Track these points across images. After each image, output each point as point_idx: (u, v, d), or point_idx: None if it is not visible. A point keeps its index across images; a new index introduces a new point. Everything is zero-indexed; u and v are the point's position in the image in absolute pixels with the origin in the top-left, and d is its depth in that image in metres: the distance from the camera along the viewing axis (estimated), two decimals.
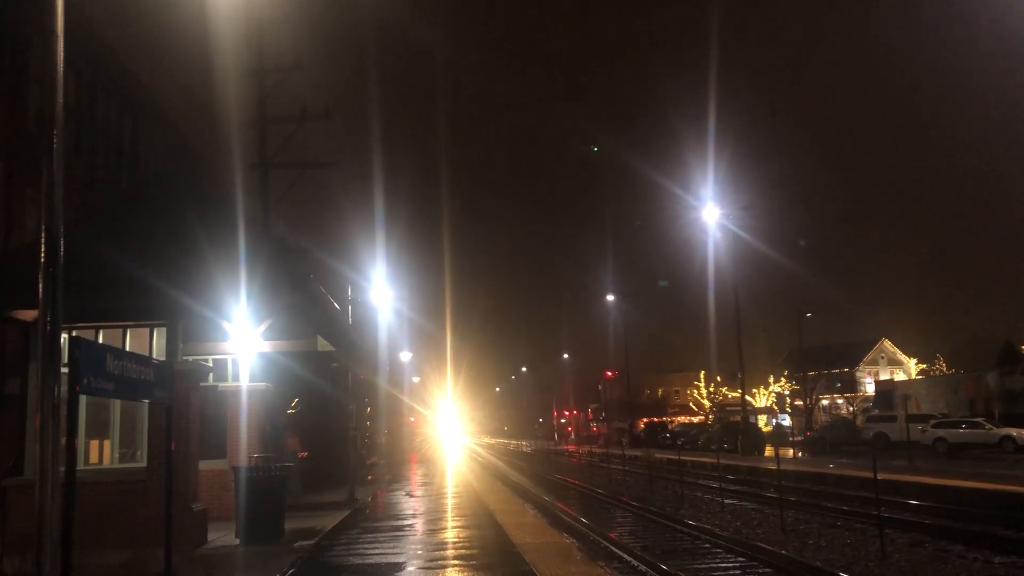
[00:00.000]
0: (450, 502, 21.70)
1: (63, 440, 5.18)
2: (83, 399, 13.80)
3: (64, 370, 5.47)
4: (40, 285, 4.94)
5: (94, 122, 21.57)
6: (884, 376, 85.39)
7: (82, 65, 20.70)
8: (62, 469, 5.27)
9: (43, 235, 5.00)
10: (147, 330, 13.35)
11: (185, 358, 13.75)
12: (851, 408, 74.89)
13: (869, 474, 15.37)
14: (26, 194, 16.72)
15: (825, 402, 78.88)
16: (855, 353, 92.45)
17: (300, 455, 22.60)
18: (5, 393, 15.24)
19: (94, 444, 15.23)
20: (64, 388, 5.41)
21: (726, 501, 21.04)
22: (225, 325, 15.24)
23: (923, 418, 39.21)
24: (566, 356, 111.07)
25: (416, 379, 72.30)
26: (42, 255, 4.90)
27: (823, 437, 44.93)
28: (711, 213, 42.26)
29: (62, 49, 5.26)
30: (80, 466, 13.59)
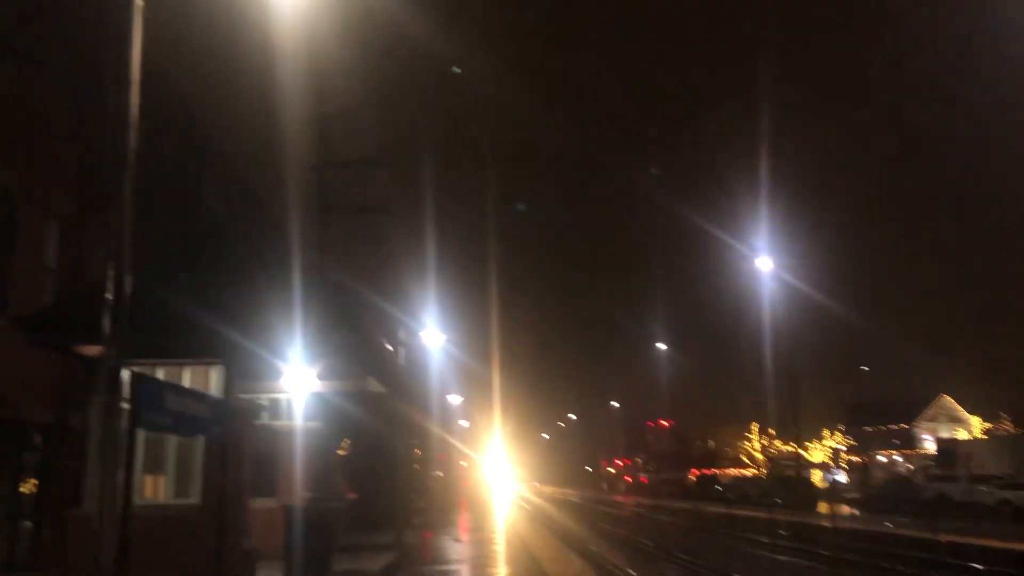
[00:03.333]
0: (496, 549, 21.53)
1: (122, 473, 5.32)
2: (141, 435, 14.14)
3: (124, 405, 5.63)
4: (106, 323, 5.12)
5: (160, 166, 22.31)
6: (943, 433, 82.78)
7: (151, 111, 21.46)
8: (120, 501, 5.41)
9: (112, 276, 5.19)
10: (204, 368, 13.61)
11: (240, 396, 13.97)
12: (910, 465, 72.73)
13: (929, 535, 14.88)
14: (94, 234, 17.30)
15: (882, 458, 76.76)
16: (913, 409, 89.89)
17: (349, 496, 22.68)
18: (69, 426, 15.66)
19: (148, 479, 15.50)
20: (124, 423, 5.56)
21: (778, 557, 20.50)
22: (280, 365, 15.48)
23: (987, 479, 37.85)
24: (615, 404, 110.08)
25: (465, 423, 72.21)
26: (110, 294, 5.08)
27: (881, 495, 43.59)
28: (765, 263, 41.84)
29: (137, 97, 5.51)
30: (136, 500, 13.88)
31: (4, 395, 14.62)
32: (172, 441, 14.41)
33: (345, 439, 25.30)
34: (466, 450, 75.74)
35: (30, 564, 15.03)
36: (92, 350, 12.92)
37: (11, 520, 15.12)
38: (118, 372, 5.15)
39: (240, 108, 23.77)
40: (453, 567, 17.18)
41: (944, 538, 15.85)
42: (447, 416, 50.48)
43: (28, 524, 15.62)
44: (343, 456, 24.86)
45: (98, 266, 17.27)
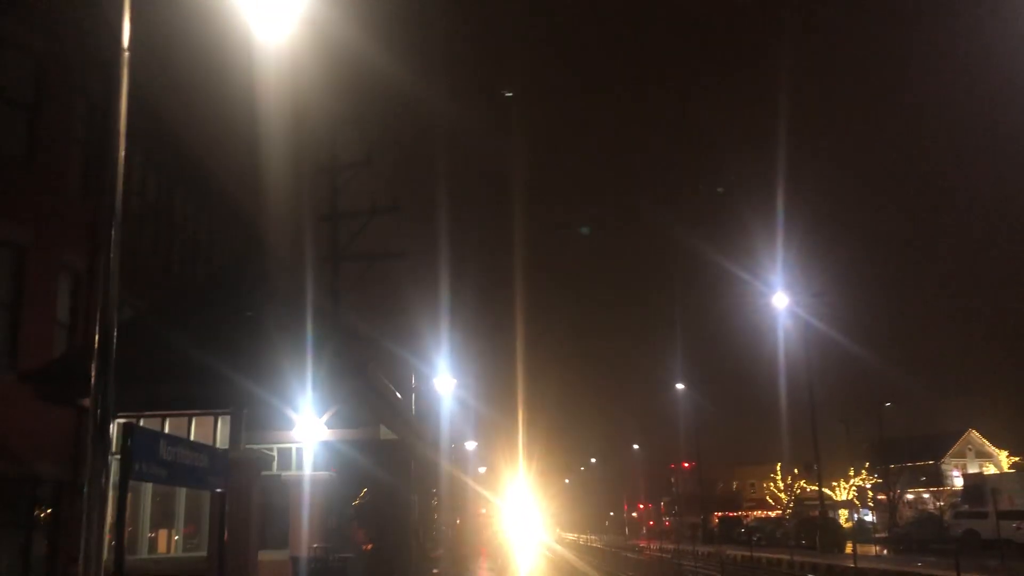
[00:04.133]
0: None
1: (108, 526, 5.24)
2: (149, 489, 14.05)
3: (118, 457, 5.57)
4: (92, 374, 5.09)
5: (172, 217, 22.53)
6: (972, 469, 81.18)
7: (162, 164, 21.79)
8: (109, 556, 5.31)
9: (98, 325, 5.17)
10: (211, 418, 13.57)
11: (249, 446, 13.88)
12: (938, 503, 71.27)
13: (953, 574, 14.50)
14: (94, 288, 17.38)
15: (910, 497, 75.30)
16: (940, 445, 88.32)
17: (365, 547, 22.34)
18: (79, 482, 15.59)
19: (162, 533, 15.41)
20: (116, 474, 5.50)
21: None
22: (290, 413, 15.40)
23: (1017, 515, 36.96)
24: (636, 447, 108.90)
25: (483, 469, 71.56)
26: (95, 344, 5.06)
27: (909, 534, 42.65)
28: (781, 300, 41.53)
29: (122, 151, 5.54)
30: (144, 555, 13.75)
31: (14, 451, 14.61)
32: (182, 494, 14.35)
33: (361, 488, 25.06)
34: (487, 495, 74.95)
35: None
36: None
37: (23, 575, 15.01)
38: (106, 423, 5.09)
39: (252, 158, 24.01)
40: None
41: None
42: (464, 462, 50.06)
43: None
44: (358, 506, 24.59)
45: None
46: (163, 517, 15.08)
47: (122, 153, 5.54)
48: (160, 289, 20.24)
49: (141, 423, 12.61)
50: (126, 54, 5.36)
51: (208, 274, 23.68)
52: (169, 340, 13.30)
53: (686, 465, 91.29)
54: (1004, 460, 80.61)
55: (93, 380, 5.18)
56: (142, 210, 20.78)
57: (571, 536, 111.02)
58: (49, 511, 15.87)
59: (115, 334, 5.34)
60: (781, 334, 42.28)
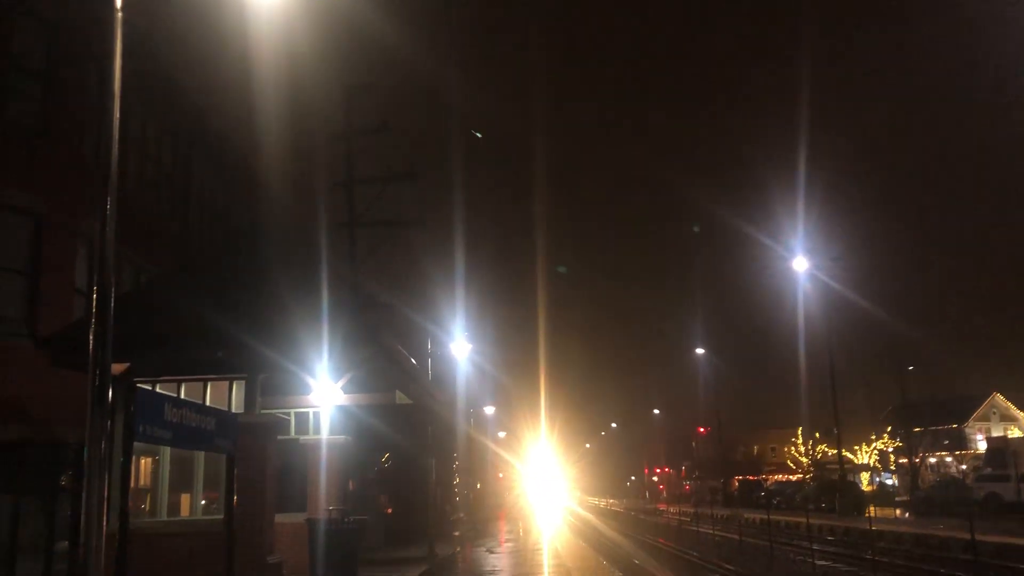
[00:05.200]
0: (533, 559, 21.31)
1: (105, 488, 5.27)
2: (167, 453, 14.23)
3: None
4: (91, 338, 5.10)
5: (188, 184, 22.57)
6: (996, 432, 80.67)
7: (178, 130, 21.79)
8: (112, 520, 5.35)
9: (94, 290, 5.17)
10: (226, 383, 13.67)
11: (264, 411, 13.99)
12: (961, 466, 71.00)
13: (979, 536, 14.40)
14: (121, 253, 17.49)
15: (932, 460, 75.01)
16: (964, 408, 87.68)
17: (386, 510, 22.64)
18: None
19: (184, 497, 15.62)
20: (121, 436, 5.52)
21: (819, 563, 20.01)
22: (307, 379, 15.49)
23: None
24: (656, 412, 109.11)
25: (502, 435, 71.98)
26: (93, 308, 5.07)
27: (931, 497, 42.54)
28: (801, 264, 41.17)
29: (118, 113, 5.51)
30: (164, 517, 13.94)
31: (36, 416, 14.80)
32: (201, 458, 14.51)
33: (384, 453, 25.29)
34: (508, 457, 75.51)
35: None
36: (116, 368, 13.05)
37: (48, 542, 15.27)
38: (104, 387, 5.10)
39: (268, 124, 23.94)
40: None
41: (991, 539, 15.35)
42: (483, 428, 50.36)
43: (65, 545, 15.77)
44: (379, 470, 24.85)
45: (125, 285, 17.47)
46: (183, 482, 15.27)
47: (117, 115, 5.50)
48: (177, 255, 20.34)
49: (157, 388, 12.75)
50: (119, 14, 5.30)
51: (225, 240, 23.75)
52: (186, 306, 13.40)
53: (703, 430, 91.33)
54: None
55: (91, 344, 5.19)
56: (158, 177, 20.83)
57: (592, 500, 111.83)
58: (72, 476, 16.11)
59: (112, 297, 5.34)
60: (801, 298, 41.98)
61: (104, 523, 4.91)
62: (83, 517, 4.84)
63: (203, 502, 15.34)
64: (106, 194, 5.47)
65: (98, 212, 5.46)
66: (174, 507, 15.04)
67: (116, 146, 5.55)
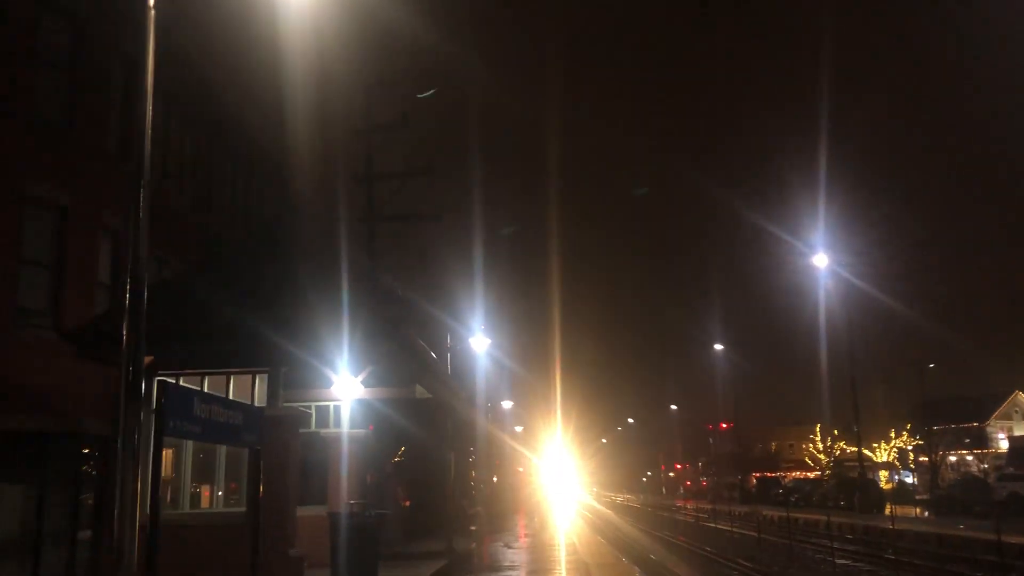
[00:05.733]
0: (550, 555, 21.33)
1: (137, 481, 5.33)
2: (190, 447, 14.32)
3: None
4: (124, 332, 5.14)
5: (211, 178, 22.70)
6: (1019, 431, 79.94)
7: (200, 125, 21.91)
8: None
9: (128, 283, 5.22)
10: (250, 376, 13.74)
11: (286, 404, 14.06)
12: (982, 465, 70.38)
13: (995, 536, 14.29)
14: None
15: (953, 459, 74.42)
16: (985, 406, 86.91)
17: (404, 504, 22.69)
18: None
19: (205, 489, 15.73)
20: (152, 431, 5.57)
21: (838, 562, 19.92)
22: (328, 372, 15.56)
23: None
24: (673, 407, 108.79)
25: (519, 429, 72.07)
26: (126, 302, 5.11)
27: (951, 496, 42.18)
28: (821, 259, 40.92)
29: (151, 108, 5.54)
30: (186, 509, 14.05)
31: (58, 407, 14.95)
32: (222, 451, 14.61)
33: (400, 447, 25.38)
34: (525, 452, 75.59)
35: (89, 575, 15.32)
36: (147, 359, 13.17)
37: (71, 531, 15.44)
38: (138, 382, 5.14)
39: (288, 119, 24.07)
40: (505, 574, 17.04)
41: (1015, 540, 15.21)
42: (501, 422, 50.43)
43: (88, 533, 15.93)
44: (397, 464, 24.92)
45: (151, 276, 17.60)
46: (205, 474, 15.38)
47: (150, 110, 5.53)
48: (199, 249, 20.47)
49: (181, 381, 12.84)
50: (152, 12, 5.33)
51: (246, 234, 23.88)
52: (208, 299, 13.48)
53: (724, 426, 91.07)
54: None
55: (124, 338, 5.23)
56: (180, 169, 20.95)
57: (608, 495, 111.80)
58: (95, 467, 16.28)
59: (145, 292, 5.38)
60: (823, 295, 41.73)
61: (137, 515, 4.97)
62: (117, 509, 4.90)
63: (220, 494, 15.45)
64: (139, 189, 5.50)
65: (131, 207, 5.50)
66: (195, 498, 15.15)
67: (148, 143, 5.58)
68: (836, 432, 79.81)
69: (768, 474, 75.19)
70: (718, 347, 68.74)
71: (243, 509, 13.40)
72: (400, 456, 25.28)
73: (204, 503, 15.39)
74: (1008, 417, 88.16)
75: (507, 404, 51.62)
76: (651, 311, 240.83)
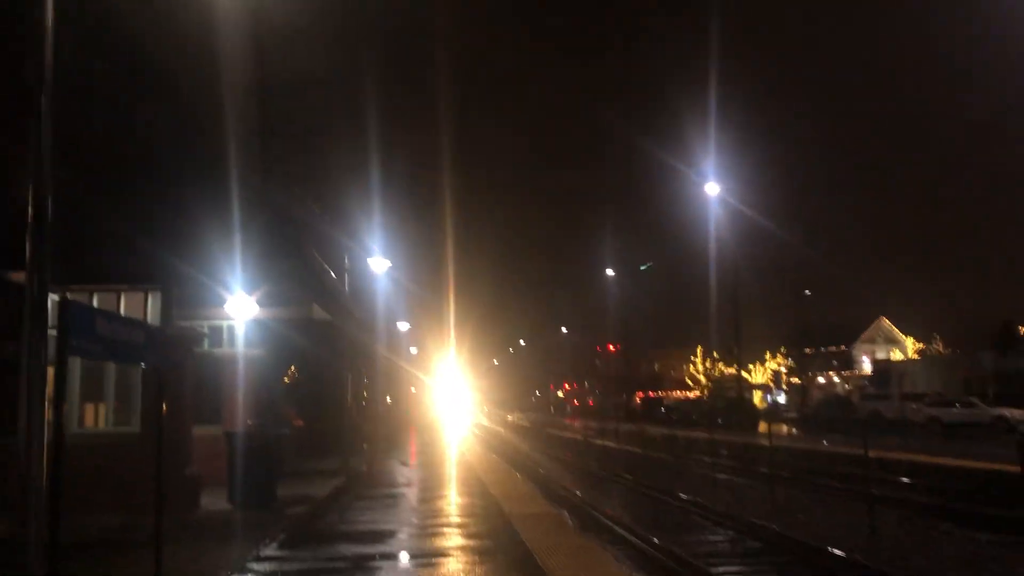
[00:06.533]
0: (444, 472, 21.83)
1: (50, 403, 5.19)
2: (77, 363, 13.85)
3: (52, 332, 5.47)
4: (28, 247, 4.94)
5: (92, 85, 21.39)
6: (881, 355, 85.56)
7: (81, 27, 20.50)
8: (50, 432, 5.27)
9: (31, 196, 4.99)
10: (141, 294, 13.32)
11: (180, 323, 13.75)
12: (847, 386, 75.17)
13: (861, 452, 15.46)
14: (18, 154, 16.61)
15: (822, 380, 79.21)
16: (852, 331, 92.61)
17: (296, 423, 22.67)
18: (3, 358, 15.23)
19: (89, 408, 15.28)
20: (53, 350, 5.40)
21: (719, 476, 21.14)
22: (221, 291, 15.25)
23: (918, 397, 39.32)
24: (564, 330, 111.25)
25: (414, 350, 72.41)
26: (30, 216, 4.89)
27: (818, 414, 45.03)
28: (712, 188, 42.14)
29: (52, 10, 5.22)
30: (73, 429, 13.66)
31: None
32: (111, 369, 14.19)
33: (291, 367, 25.21)
34: (418, 374, 76.14)
35: None
36: (20, 276, 12.54)
37: None
38: (43, 299, 4.97)
39: (175, 24, 22.77)
40: (401, 490, 17.38)
41: (874, 454, 16.50)
42: (395, 342, 50.52)
43: None
44: (289, 384, 24.78)
45: (24, 190, 16.62)
46: (91, 392, 14.93)
47: (51, 10, 5.21)
48: (79, 162, 19.43)
49: (67, 296, 12.33)
50: None
51: (132, 147, 22.75)
52: (94, 215, 12.90)
53: (611, 347, 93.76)
54: (910, 347, 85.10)
55: (28, 254, 5.02)
56: (56, 78, 19.67)
57: (500, 413, 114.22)
58: None
59: (49, 206, 5.16)
60: (712, 222, 43.08)
61: (45, 439, 4.87)
62: (23, 434, 4.78)
63: (111, 414, 15.08)
64: (40, 98, 5.20)
65: (31, 119, 5.20)
66: (81, 419, 14.74)
67: (50, 48, 5.27)
68: (715, 354, 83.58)
69: (652, 394, 78.26)
70: (610, 272, 70.33)
71: (133, 429, 13.16)
72: (290, 376, 25.12)
73: (88, 422, 14.98)
74: (872, 341, 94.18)
75: (403, 326, 51.66)
76: (547, 238, 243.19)
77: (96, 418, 14.97)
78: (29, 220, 4.98)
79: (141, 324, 7.85)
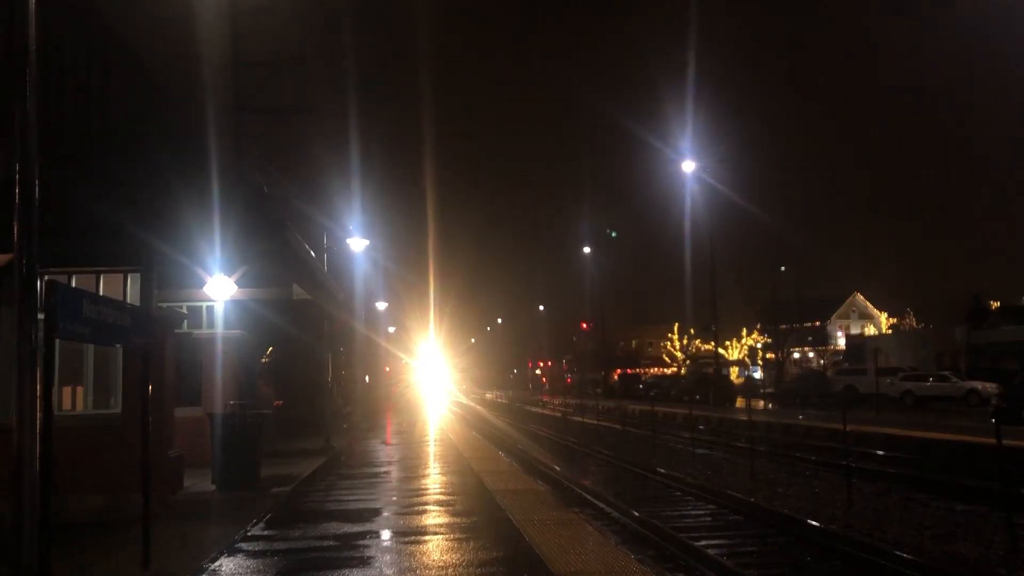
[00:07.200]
0: (426, 450, 21.90)
1: (40, 385, 5.17)
2: (56, 346, 13.73)
3: (40, 315, 5.43)
4: (15, 230, 4.89)
5: (63, 62, 21.04)
6: (855, 330, 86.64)
7: (51, 3, 20.12)
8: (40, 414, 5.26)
9: (18, 177, 4.94)
10: (121, 276, 13.21)
11: (160, 304, 13.66)
12: (822, 361, 76.07)
13: (838, 425, 15.71)
14: None
15: (797, 355, 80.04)
16: (827, 307, 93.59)
17: (275, 404, 22.64)
18: None
19: (66, 391, 15.15)
20: (40, 333, 5.37)
21: (697, 451, 21.38)
22: (200, 272, 15.14)
23: (892, 371, 39.88)
24: (541, 308, 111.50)
25: (392, 329, 72.31)
26: (16, 198, 4.85)
27: (793, 389, 45.57)
28: (688, 165, 42.27)
29: None
30: (55, 412, 13.57)
31: None
32: (91, 351, 14.07)
33: (269, 347, 25.10)
34: (398, 354, 76.12)
35: None
36: (2, 258, 12.38)
37: None
38: (32, 281, 4.93)
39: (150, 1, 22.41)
40: (382, 469, 17.44)
41: (850, 427, 16.76)
42: (375, 322, 50.42)
43: None
44: (268, 364, 24.70)
45: (4, 168, 16.37)
46: (71, 374, 14.81)
47: None
48: (55, 143, 19.15)
49: (48, 279, 12.21)
50: None
51: (106, 127, 22.44)
52: (70, 193, 12.74)
53: (584, 326, 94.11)
54: (884, 322, 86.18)
55: (16, 237, 4.98)
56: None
57: (478, 391, 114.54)
58: None
59: (36, 189, 5.11)
60: (688, 200, 43.25)
61: (37, 421, 4.85)
62: (15, 416, 4.76)
63: (91, 396, 14.98)
64: (24, 79, 5.14)
65: (18, 97, 5.14)
66: (60, 402, 14.63)
67: (33, 26, 5.19)
68: (692, 331, 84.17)
69: (629, 371, 78.77)
70: (587, 250, 70.45)
71: (114, 411, 13.08)
72: (268, 356, 25.04)
73: (66, 404, 14.87)
74: (846, 317, 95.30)
75: (382, 305, 51.54)
76: (525, 217, 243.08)
77: (74, 401, 14.87)
78: (16, 200, 4.93)
79: (127, 307, 7.80)
